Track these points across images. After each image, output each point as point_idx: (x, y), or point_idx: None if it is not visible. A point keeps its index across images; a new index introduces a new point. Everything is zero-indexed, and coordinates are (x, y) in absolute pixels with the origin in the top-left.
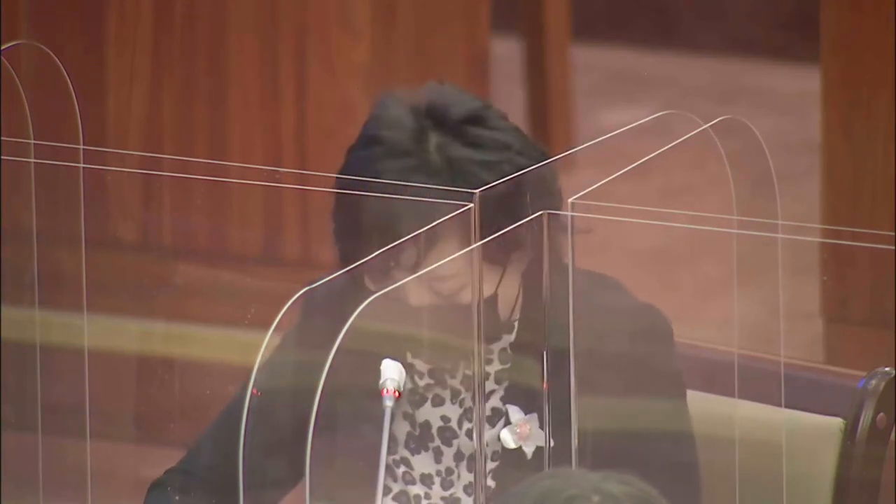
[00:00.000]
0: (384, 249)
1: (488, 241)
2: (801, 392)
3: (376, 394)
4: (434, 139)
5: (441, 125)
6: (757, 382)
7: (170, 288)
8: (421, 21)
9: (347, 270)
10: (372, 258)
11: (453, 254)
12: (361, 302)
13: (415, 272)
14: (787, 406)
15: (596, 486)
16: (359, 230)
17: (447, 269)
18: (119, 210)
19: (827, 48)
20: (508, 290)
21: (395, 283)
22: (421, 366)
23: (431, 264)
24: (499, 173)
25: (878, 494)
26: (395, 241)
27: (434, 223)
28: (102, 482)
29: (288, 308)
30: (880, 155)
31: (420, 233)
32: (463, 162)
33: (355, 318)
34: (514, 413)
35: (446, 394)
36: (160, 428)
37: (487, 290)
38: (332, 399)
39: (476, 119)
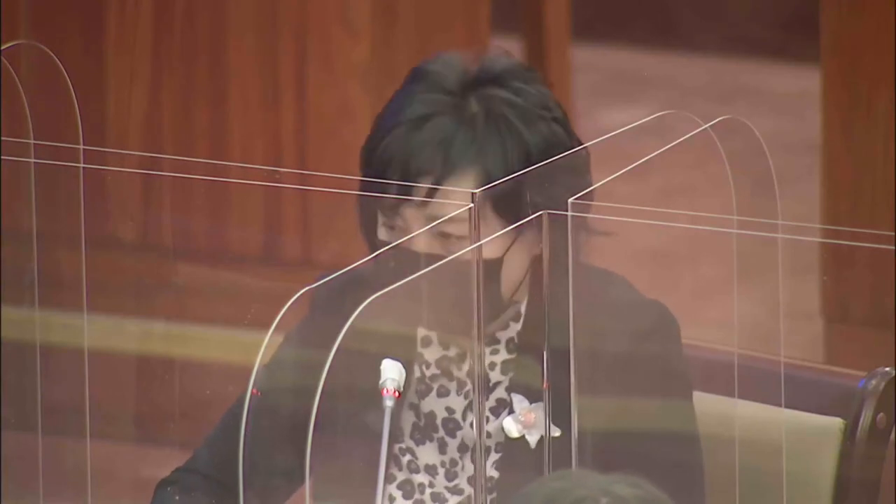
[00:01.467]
0: (401, 241)
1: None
2: (801, 392)
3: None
4: (477, 87)
5: (486, 75)
6: (757, 382)
7: (170, 288)
8: (421, 21)
9: (352, 268)
10: (388, 247)
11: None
12: (372, 293)
13: (424, 210)
14: (787, 406)
15: (604, 489)
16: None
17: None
18: (119, 210)
19: (827, 48)
20: (515, 264)
21: (404, 231)
22: (429, 356)
23: (442, 197)
24: (534, 128)
25: (878, 494)
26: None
27: (434, 223)
28: (102, 482)
29: (288, 308)
30: (880, 155)
31: (420, 232)
32: (501, 104)
33: (366, 303)
34: (519, 402)
35: (452, 385)
36: (160, 428)
37: (497, 252)
38: (343, 394)
39: (522, 76)
